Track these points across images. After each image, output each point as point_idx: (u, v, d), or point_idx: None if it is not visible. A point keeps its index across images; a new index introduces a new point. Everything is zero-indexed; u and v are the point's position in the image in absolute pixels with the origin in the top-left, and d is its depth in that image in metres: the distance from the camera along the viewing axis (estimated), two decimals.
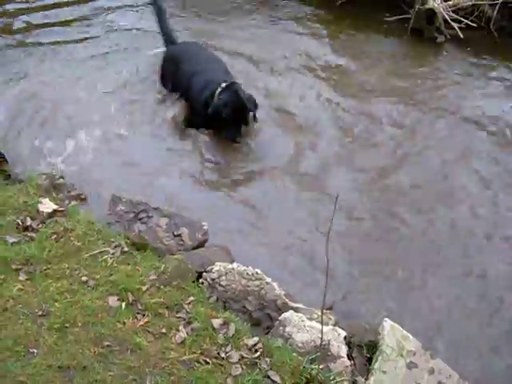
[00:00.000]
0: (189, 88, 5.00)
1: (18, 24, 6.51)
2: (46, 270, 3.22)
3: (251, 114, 4.79)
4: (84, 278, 3.18)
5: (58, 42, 6.19)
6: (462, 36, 5.82)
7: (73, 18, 6.65)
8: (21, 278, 3.17)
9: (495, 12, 6.08)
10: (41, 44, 6.13)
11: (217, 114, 4.70)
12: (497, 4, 6.03)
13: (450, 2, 6.02)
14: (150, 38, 6.07)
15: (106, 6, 6.87)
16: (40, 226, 3.56)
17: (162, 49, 5.59)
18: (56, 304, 3.00)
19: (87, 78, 5.60)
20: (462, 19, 5.93)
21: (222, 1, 6.94)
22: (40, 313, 2.96)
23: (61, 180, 4.20)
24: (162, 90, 5.31)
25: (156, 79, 5.45)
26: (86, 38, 6.27)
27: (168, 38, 5.55)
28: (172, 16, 6.15)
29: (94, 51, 6.02)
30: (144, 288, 3.14)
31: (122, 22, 6.57)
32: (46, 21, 6.57)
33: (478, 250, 3.93)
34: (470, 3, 6.07)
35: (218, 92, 4.74)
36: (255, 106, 4.83)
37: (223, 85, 4.76)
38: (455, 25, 5.86)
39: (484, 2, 6.07)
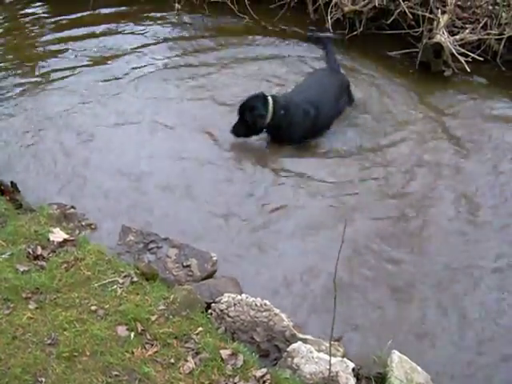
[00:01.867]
0: None
1: None
2: (55, 298, 3.25)
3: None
4: (93, 308, 3.20)
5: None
6: (468, 70, 5.87)
7: None
8: (30, 306, 3.19)
9: (501, 46, 6.15)
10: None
11: None
12: (503, 38, 6.11)
13: (457, 37, 6.09)
14: None
15: None
16: (50, 255, 3.60)
17: None
18: (65, 333, 3.03)
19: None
20: (469, 53, 5.99)
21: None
22: (49, 341, 2.98)
23: (72, 210, 4.26)
24: None
25: None
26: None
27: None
28: None
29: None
30: (153, 318, 3.16)
31: None
32: None
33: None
34: (476, 37, 6.15)
35: None
36: (253, 119, 5.04)
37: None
38: (462, 59, 5.92)
39: (490, 37, 6.15)
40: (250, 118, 5.06)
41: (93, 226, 4.19)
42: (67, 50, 6.69)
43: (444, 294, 3.84)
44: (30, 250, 3.59)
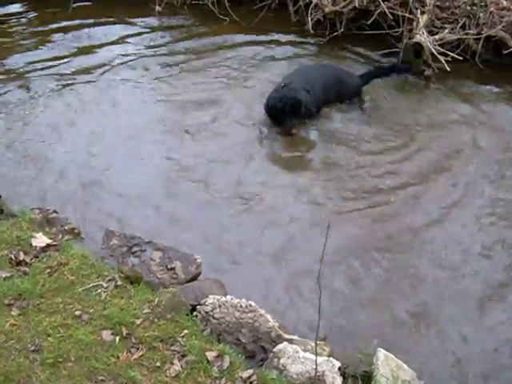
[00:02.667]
0: None
1: None
2: (39, 304, 3.21)
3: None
4: (77, 313, 3.18)
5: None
6: (448, 69, 5.93)
7: None
8: (13, 313, 3.15)
9: (479, 46, 6.22)
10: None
11: None
12: (481, 38, 6.18)
13: (437, 36, 6.15)
14: None
15: None
16: (33, 260, 3.56)
17: None
18: (49, 339, 2.99)
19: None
20: (449, 53, 6.05)
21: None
22: (33, 348, 2.94)
23: (54, 214, 4.21)
24: None
25: None
26: None
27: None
28: None
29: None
30: (138, 321, 3.14)
31: None
32: None
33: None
34: (455, 37, 6.22)
35: None
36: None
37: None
38: (442, 58, 5.97)
39: (469, 37, 6.22)
40: (308, 111, 5.35)
41: (76, 231, 4.15)
42: (44, 43, 6.73)
43: (427, 294, 3.87)
44: (13, 256, 3.54)
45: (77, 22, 7.18)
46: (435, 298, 3.84)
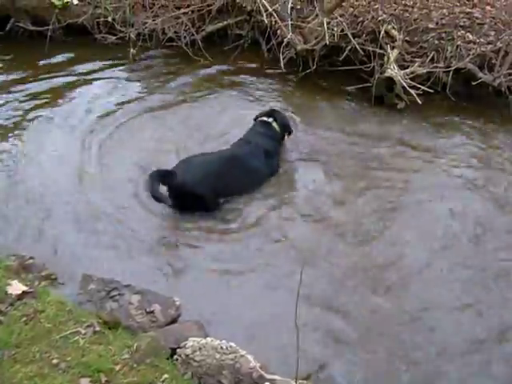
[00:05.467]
0: None
1: None
2: (14, 354, 3.13)
3: None
4: (55, 361, 3.11)
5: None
6: (420, 102, 6.04)
7: None
8: None
9: (449, 78, 6.38)
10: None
11: None
12: (450, 71, 6.33)
13: (407, 70, 6.29)
14: None
15: None
16: (8, 308, 3.49)
17: None
18: None
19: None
20: (420, 86, 6.18)
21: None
22: None
23: (30, 260, 4.16)
24: None
25: None
26: None
27: None
28: None
29: None
30: (117, 368, 3.08)
31: None
32: None
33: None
34: (425, 70, 6.37)
35: None
36: None
37: None
38: (413, 91, 6.10)
39: (438, 70, 6.38)
40: None
41: (53, 276, 4.10)
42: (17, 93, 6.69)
43: (412, 331, 3.85)
44: None
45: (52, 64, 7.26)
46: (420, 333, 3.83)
